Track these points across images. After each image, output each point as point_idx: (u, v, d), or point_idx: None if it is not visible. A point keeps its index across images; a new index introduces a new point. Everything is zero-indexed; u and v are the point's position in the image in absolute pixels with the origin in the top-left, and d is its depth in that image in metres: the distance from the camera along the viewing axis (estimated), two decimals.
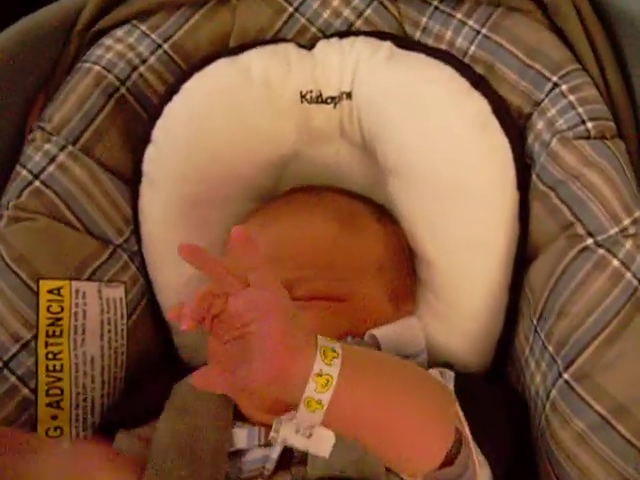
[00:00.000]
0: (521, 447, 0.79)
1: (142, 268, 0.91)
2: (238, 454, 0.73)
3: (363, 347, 0.71)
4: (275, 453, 0.70)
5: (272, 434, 0.59)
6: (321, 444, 0.58)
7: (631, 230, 0.76)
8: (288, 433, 0.58)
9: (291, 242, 0.81)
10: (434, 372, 0.73)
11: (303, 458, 0.69)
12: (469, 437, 0.65)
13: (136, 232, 0.91)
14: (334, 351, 0.55)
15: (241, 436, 0.73)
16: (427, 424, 0.62)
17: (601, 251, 0.76)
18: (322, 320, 0.76)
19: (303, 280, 0.78)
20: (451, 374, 0.74)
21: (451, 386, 0.72)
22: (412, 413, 0.61)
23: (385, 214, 0.90)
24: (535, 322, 0.80)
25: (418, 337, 0.83)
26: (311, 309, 0.76)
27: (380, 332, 0.77)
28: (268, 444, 0.71)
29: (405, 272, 0.87)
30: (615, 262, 0.75)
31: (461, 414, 0.67)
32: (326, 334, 0.64)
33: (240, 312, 0.54)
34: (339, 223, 0.84)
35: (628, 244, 0.75)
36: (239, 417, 0.76)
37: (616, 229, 0.76)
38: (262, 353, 0.53)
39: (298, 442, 0.58)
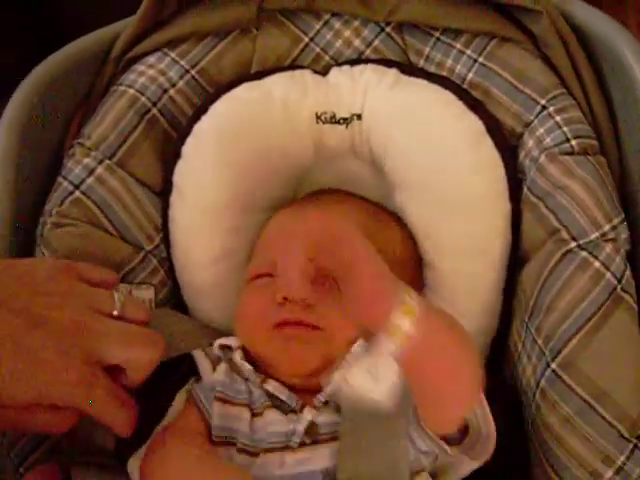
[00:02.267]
0: (515, 436, 0.83)
1: (170, 272, 0.96)
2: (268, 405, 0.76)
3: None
4: (302, 426, 0.73)
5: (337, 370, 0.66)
6: (381, 384, 0.64)
7: (610, 235, 0.80)
8: (356, 373, 0.64)
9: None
10: None
11: (327, 436, 0.73)
12: (483, 398, 0.70)
13: (165, 239, 0.95)
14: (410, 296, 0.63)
15: (279, 389, 0.77)
16: (467, 371, 0.68)
17: (584, 253, 0.80)
18: None
19: None
20: None
21: None
22: (461, 362, 0.67)
23: (399, 219, 0.93)
24: (526, 319, 0.84)
25: None
26: None
27: None
28: (301, 410, 0.75)
29: (417, 271, 0.91)
30: (596, 263, 0.79)
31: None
32: None
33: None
34: (369, 217, 0.87)
35: (608, 247, 0.80)
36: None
37: (597, 234, 0.80)
38: (360, 294, 0.63)
39: (363, 380, 0.64)
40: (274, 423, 0.75)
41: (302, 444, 0.73)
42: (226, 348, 0.82)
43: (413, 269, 0.90)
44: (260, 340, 0.79)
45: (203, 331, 0.92)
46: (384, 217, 0.91)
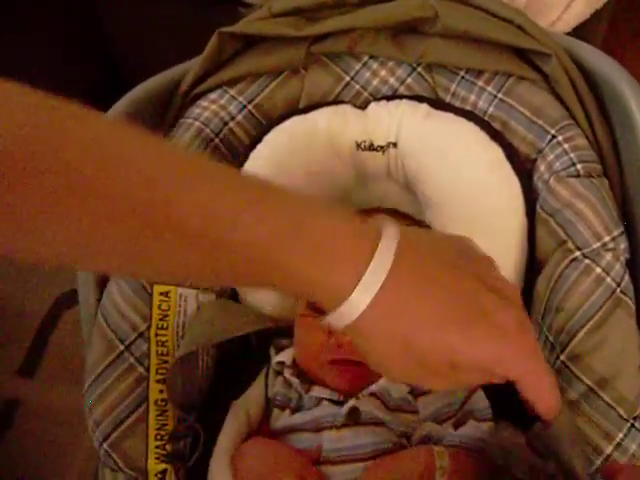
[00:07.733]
0: None
1: None
2: (316, 404, 0.87)
3: None
4: (345, 410, 0.83)
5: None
6: None
7: (610, 245, 0.87)
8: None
9: None
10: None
11: (368, 421, 0.83)
12: None
13: None
14: None
15: (322, 391, 0.88)
16: None
17: (587, 261, 0.87)
18: None
19: None
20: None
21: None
22: None
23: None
24: (540, 319, 0.90)
25: None
26: None
27: None
28: (343, 402, 0.85)
29: None
30: (598, 269, 0.86)
31: None
32: None
33: None
34: None
35: (608, 256, 0.87)
36: None
37: (598, 244, 0.87)
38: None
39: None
40: (321, 408, 0.86)
41: (345, 425, 0.83)
42: (281, 364, 0.94)
43: None
44: (317, 371, 0.90)
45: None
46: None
